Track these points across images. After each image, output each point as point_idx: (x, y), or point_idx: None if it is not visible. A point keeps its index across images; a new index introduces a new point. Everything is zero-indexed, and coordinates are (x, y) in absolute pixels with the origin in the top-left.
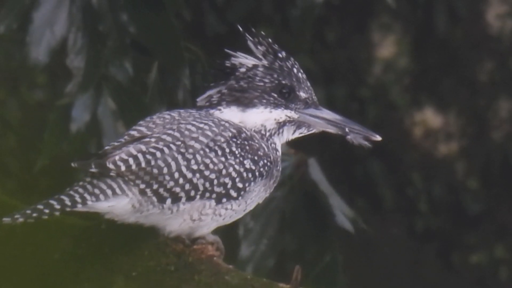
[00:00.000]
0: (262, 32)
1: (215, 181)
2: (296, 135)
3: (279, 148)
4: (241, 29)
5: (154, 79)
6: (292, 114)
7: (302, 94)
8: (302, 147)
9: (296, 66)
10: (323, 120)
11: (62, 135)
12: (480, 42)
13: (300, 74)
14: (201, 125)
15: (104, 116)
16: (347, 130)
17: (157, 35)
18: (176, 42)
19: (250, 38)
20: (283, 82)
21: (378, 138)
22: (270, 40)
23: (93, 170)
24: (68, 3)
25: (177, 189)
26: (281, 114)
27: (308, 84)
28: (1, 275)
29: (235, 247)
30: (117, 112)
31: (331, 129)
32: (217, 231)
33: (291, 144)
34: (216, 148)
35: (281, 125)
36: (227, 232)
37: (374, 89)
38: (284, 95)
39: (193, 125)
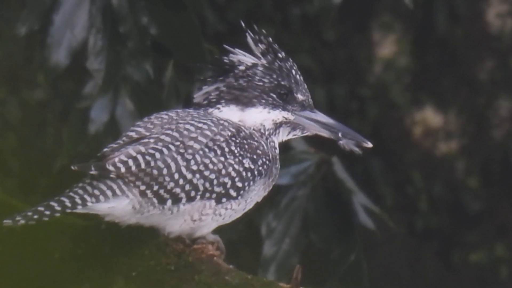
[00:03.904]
0: (264, 31)
1: (215, 181)
2: (290, 136)
3: (277, 147)
4: (243, 25)
5: (170, 78)
6: (289, 116)
7: (299, 96)
8: (321, 145)
9: (294, 68)
10: (318, 123)
11: (81, 136)
12: (480, 41)
13: (298, 76)
14: (200, 125)
15: (122, 117)
16: (340, 135)
17: (179, 36)
18: (198, 42)
19: (251, 36)
20: (282, 83)
21: (370, 145)
22: (270, 39)
23: (93, 172)
24: (88, 5)
25: (177, 190)
26: (279, 115)
27: (305, 86)
28: (1, 275)
29: (258, 247)
30: (135, 112)
31: (324, 133)
32: (238, 229)
33: (311, 143)
34: (216, 147)
35: (278, 125)
36: (250, 231)
37: (374, 88)
38: (282, 96)
39: (191, 124)
